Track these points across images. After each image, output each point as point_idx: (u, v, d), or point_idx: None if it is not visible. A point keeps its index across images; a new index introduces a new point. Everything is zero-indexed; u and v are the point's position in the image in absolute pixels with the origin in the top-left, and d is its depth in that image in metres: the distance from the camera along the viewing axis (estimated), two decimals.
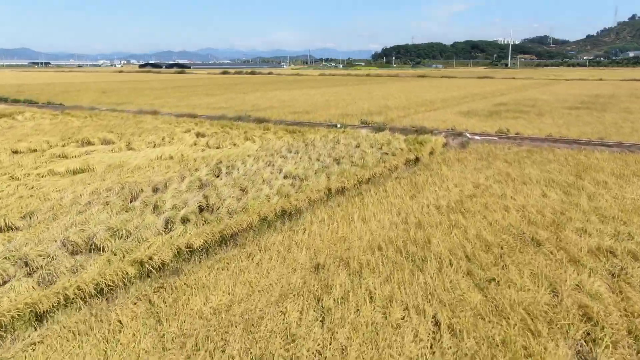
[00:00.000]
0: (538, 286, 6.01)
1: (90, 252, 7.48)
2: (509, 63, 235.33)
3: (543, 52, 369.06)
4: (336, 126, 20.55)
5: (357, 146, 16.39)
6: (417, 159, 14.99)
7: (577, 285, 6.05)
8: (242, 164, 13.52)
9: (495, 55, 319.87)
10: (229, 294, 5.91)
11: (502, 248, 7.26)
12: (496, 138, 17.49)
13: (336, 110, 27.28)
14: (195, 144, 18.30)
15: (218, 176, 12.53)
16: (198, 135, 20.40)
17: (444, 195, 10.13)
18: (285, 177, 12.12)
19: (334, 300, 5.58)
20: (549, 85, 59.12)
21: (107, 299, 5.96)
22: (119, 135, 19.03)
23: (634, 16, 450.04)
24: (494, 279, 6.18)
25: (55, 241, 7.48)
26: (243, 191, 10.88)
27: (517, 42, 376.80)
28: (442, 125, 21.17)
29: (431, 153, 16.02)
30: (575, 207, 9.19)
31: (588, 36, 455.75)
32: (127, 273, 6.48)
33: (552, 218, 8.59)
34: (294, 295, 5.73)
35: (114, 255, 7.19)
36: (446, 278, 6.19)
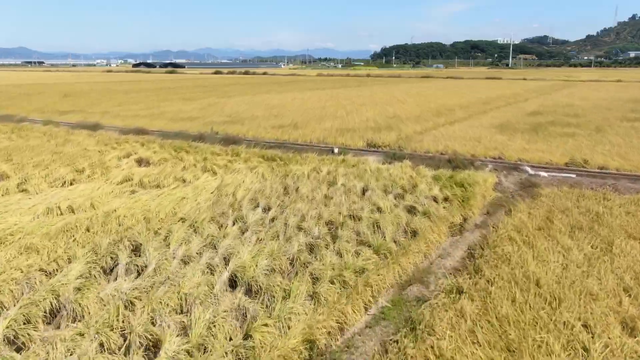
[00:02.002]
0: None
1: None
2: (510, 63, 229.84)
3: (543, 52, 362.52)
4: (333, 151, 14.71)
5: (364, 191, 10.53)
6: (464, 220, 9.17)
7: None
8: (164, 241, 7.59)
9: (495, 55, 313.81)
10: None
11: None
12: (574, 175, 11.63)
13: (333, 121, 21.42)
14: (127, 180, 12.40)
15: (111, 271, 6.71)
16: (140, 162, 14.52)
17: None
18: (230, 284, 6.27)
19: None
20: (568, 87, 53.35)
21: None
22: (18, 167, 13.13)
23: (634, 16, 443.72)
24: None
25: None
26: (124, 342, 5.06)
27: (516, 42, 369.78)
28: (477, 147, 15.33)
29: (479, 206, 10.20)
30: None
31: (588, 36, 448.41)
32: None
33: None
34: None
35: None
36: None
